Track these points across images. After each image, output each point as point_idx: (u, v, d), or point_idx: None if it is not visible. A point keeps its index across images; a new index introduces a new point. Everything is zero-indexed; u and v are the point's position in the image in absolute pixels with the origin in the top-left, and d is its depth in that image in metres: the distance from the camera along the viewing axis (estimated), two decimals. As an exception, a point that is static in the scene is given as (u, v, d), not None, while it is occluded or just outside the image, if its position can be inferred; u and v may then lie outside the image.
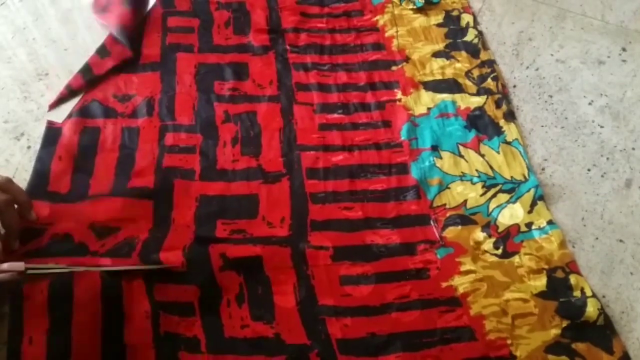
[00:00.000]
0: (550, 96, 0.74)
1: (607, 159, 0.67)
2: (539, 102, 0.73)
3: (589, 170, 0.66)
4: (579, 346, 0.51)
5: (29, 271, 0.48)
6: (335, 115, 0.70)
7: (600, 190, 0.64)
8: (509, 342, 0.51)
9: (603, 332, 0.52)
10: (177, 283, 0.53)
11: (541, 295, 0.54)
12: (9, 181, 0.55)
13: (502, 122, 0.70)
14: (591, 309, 0.53)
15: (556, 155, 0.67)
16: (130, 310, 0.51)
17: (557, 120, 0.71)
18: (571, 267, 0.57)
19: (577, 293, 0.54)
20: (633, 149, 0.68)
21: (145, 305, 0.51)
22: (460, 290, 0.55)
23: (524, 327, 0.52)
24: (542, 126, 0.70)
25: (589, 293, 0.54)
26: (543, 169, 0.66)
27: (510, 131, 0.69)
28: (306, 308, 0.53)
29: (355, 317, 0.53)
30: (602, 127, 0.70)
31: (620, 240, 0.59)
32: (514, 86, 0.75)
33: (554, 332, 0.52)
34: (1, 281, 0.49)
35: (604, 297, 0.55)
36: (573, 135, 0.69)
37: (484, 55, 0.78)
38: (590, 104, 0.73)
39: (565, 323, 0.52)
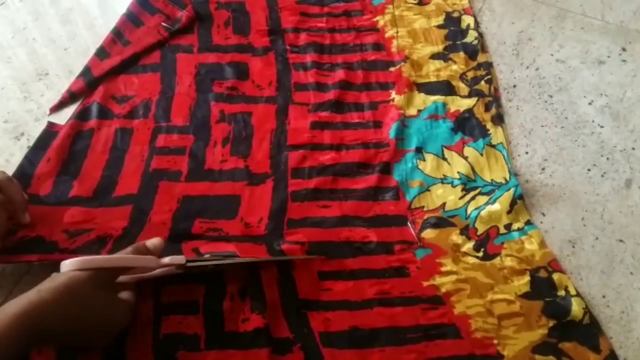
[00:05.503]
0: (550, 96, 0.74)
1: (607, 159, 0.67)
2: (539, 102, 0.73)
3: (589, 170, 0.66)
4: (566, 345, 0.51)
5: (189, 264, 0.49)
6: (328, 113, 0.70)
7: (600, 190, 0.64)
8: (495, 342, 0.51)
9: (589, 331, 0.52)
10: (184, 283, 0.53)
11: (526, 296, 0.54)
12: (8, 180, 0.54)
13: (489, 124, 0.70)
14: (576, 308, 0.52)
15: (556, 155, 0.67)
16: (133, 319, 0.51)
17: (557, 120, 0.71)
18: (553, 265, 0.57)
19: (561, 292, 0.54)
20: (633, 149, 0.68)
21: (148, 312, 0.51)
22: (443, 289, 0.55)
23: (511, 327, 0.52)
24: (542, 126, 0.70)
25: (573, 292, 0.54)
26: (543, 169, 0.66)
27: (496, 134, 0.68)
28: (288, 302, 0.53)
29: (336, 310, 0.53)
30: (602, 127, 0.70)
31: (620, 240, 0.59)
32: (514, 86, 0.75)
33: (541, 332, 0.52)
34: (163, 275, 0.50)
35: (604, 297, 0.55)
36: (573, 135, 0.69)
37: (481, 58, 0.78)
38: (590, 104, 0.73)
39: (551, 323, 0.52)
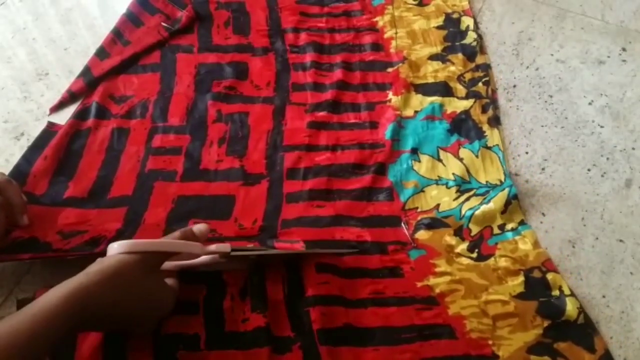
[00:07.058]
0: (550, 96, 0.74)
1: (607, 159, 0.67)
2: (539, 102, 0.73)
3: (589, 170, 0.66)
4: (561, 345, 0.51)
5: (233, 253, 0.49)
6: (325, 114, 0.70)
7: (600, 190, 0.63)
8: (490, 342, 0.51)
9: (584, 330, 0.52)
10: (184, 283, 0.53)
11: (520, 296, 0.54)
12: (8, 182, 0.54)
13: (485, 126, 0.69)
14: (571, 308, 0.52)
15: (556, 155, 0.67)
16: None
17: (557, 120, 0.71)
18: (547, 265, 0.56)
19: (555, 292, 0.54)
20: (633, 149, 0.67)
21: None
22: (437, 290, 0.54)
23: (505, 328, 0.52)
24: (542, 126, 0.70)
25: (567, 292, 0.54)
26: (543, 169, 0.66)
27: (492, 136, 0.68)
28: (293, 300, 0.53)
29: (332, 306, 0.52)
30: (602, 127, 0.70)
31: (620, 240, 0.59)
32: (514, 86, 0.75)
33: (536, 332, 0.51)
34: (206, 263, 0.51)
35: (604, 297, 0.55)
36: (573, 135, 0.69)
37: (480, 59, 0.78)
38: (590, 104, 0.73)
39: (546, 323, 0.52)
